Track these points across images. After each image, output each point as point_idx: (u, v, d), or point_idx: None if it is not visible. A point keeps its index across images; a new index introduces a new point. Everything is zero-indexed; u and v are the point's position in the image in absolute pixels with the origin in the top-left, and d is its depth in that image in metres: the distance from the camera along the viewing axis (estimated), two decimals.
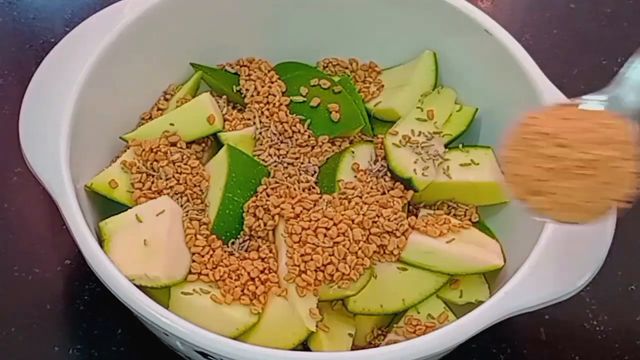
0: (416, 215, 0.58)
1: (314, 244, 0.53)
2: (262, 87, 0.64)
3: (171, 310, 0.49)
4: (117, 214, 0.54)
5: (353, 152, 0.60)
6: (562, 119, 0.46)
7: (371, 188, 0.58)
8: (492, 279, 0.57)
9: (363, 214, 0.54)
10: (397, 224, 0.54)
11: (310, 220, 0.54)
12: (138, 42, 0.60)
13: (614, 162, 0.44)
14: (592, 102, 0.46)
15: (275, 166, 0.60)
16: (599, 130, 0.44)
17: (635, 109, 0.45)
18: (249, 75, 0.65)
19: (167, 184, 0.56)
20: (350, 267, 0.52)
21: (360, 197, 0.56)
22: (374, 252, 0.53)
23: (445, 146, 0.62)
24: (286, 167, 0.60)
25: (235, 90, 0.65)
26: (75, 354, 0.58)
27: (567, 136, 0.44)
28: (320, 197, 0.57)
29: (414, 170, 0.58)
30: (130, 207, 0.55)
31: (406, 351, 0.46)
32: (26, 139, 0.54)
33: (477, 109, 0.64)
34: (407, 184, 0.59)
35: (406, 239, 0.54)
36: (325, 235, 0.53)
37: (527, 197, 0.45)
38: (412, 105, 0.63)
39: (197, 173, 0.57)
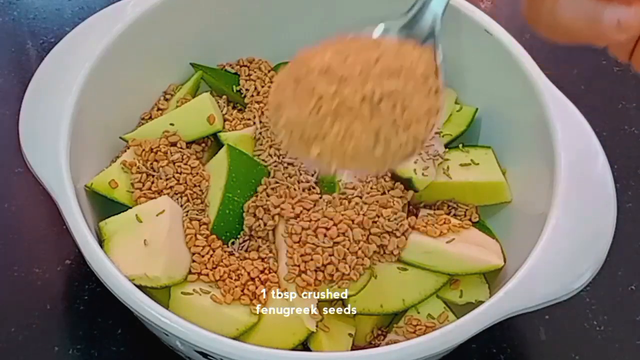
0: (416, 215, 0.58)
1: (314, 244, 0.53)
2: (262, 87, 0.64)
3: (171, 310, 0.49)
4: (117, 214, 0.54)
5: None
6: (344, 51, 0.37)
7: (371, 188, 0.58)
8: (492, 279, 0.57)
9: (363, 214, 0.54)
10: (397, 224, 0.54)
11: (310, 220, 0.54)
12: (138, 42, 0.60)
13: (406, 97, 0.36)
14: (387, 30, 0.39)
15: (275, 166, 0.60)
16: (389, 61, 0.37)
17: (434, 31, 0.38)
18: (249, 75, 0.65)
19: (167, 184, 0.56)
20: (350, 267, 0.52)
21: (360, 197, 0.56)
22: (374, 252, 0.53)
23: (445, 146, 0.62)
24: (286, 167, 0.60)
25: (235, 90, 0.65)
26: (75, 354, 0.58)
27: (346, 69, 0.36)
28: (320, 197, 0.57)
29: (414, 170, 0.58)
30: (130, 207, 0.55)
31: (406, 351, 0.46)
32: (26, 139, 0.54)
33: (477, 109, 0.64)
34: (407, 184, 0.59)
35: (406, 239, 0.54)
36: (325, 235, 0.53)
37: (304, 147, 0.37)
38: None
39: (197, 173, 0.57)
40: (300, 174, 0.59)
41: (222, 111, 0.62)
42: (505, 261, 0.56)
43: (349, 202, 0.56)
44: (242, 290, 0.52)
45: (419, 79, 0.37)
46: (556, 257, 0.50)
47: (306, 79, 0.37)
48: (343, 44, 0.38)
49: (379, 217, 0.54)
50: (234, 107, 0.64)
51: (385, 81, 0.36)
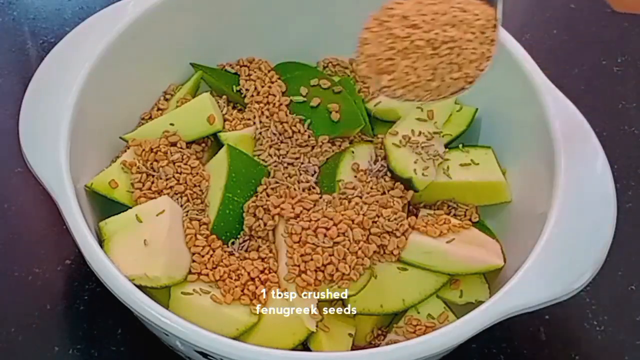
0: (416, 215, 0.58)
1: (314, 244, 0.53)
2: (262, 87, 0.64)
3: (171, 310, 0.49)
4: (117, 214, 0.54)
5: (353, 152, 0.60)
6: (422, 2, 0.47)
7: (371, 188, 0.58)
8: (492, 279, 0.57)
9: (363, 214, 0.54)
10: (397, 224, 0.54)
11: (310, 220, 0.54)
12: (138, 42, 0.60)
13: (463, 43, 0.46)
14: None
15: (275, 166, 0.60)
16: (454, 14, 0.46)
17: None
18: (249, 75, 0.65)
19: (167, 184, 0.56)
20: (350, 267, 0.52)
21: (360, 197, 0.56)
22: (374, 252, 0.53)
23: (445, 146, 0.62)
24: (286, 167, 0.60)
25: (235, 90, 0.65)
26: (75, 354, 0.58)
27: (419, 18, 0.46)
28: (320, 197, 0.57)
29: (414, 170, 0.58)
30: (130, 207, 0.55)
31: (406, 351, 0.46)
32: (26, 139, 0.54)
33: (477, 109, 0.64)
34: (407, 184, 0.59)
35: (406, 239, 0.54)
36: (325, 235, 0.53)
37: (377, 75, 0.47)
38: (412, 106, 0.63)
39: (197, 173, 0.57)
40: (300, 174, 0.59)
41: (222, 111, 0.63)
42: (505, 261, 0.56)
43: (349, 202, 0.56)
44: (242, 290, 0.52)
45: (477, 30, 0.46)
46: (556, 257, 0.50)
47: (387, 23, 0.47)
48: None
49: (379, 217, 0.54)
50: (234, 107, 0.64)
51: (447, 30, 0.46)
